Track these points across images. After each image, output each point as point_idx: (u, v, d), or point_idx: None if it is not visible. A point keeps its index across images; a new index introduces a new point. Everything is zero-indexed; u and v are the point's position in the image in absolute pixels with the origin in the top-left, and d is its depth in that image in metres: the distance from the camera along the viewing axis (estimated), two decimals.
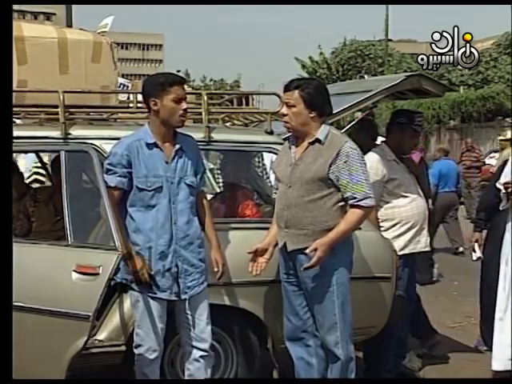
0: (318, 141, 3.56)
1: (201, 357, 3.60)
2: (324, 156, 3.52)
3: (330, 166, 3.49)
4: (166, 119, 3.48)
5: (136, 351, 3.53)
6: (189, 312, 3.56)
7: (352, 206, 3.52)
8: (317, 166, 3.52)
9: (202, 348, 3.59)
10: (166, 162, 3.49)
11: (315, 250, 3.42)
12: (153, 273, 3.44)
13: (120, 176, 3.45)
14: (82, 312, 3.31)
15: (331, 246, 3.45)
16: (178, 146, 3.53)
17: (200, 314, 3.57)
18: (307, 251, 3.46)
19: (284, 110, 3.59)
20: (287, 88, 3.58)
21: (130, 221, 3.50)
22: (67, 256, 3.49)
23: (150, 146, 3.48)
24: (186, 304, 3.54)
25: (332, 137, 3.57)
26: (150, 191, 3.45)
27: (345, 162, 3.49)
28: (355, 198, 3.49)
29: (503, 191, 4.55)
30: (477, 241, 5.23)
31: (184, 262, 3.52)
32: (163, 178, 3.47)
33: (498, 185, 4.68)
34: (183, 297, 3.53)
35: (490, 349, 5.13)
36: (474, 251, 5.28)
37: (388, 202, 4.32)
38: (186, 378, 3.67)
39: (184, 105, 3.47)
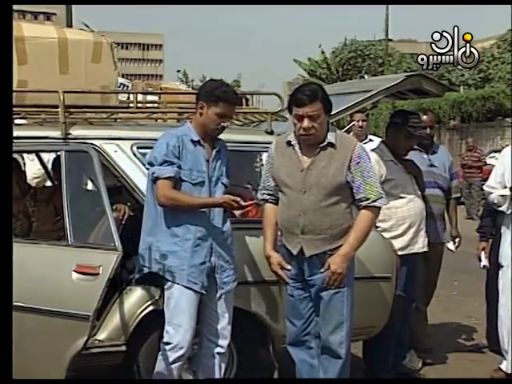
0: (330, 145, 3.49)
1: (217, 353, 3.65)
2: (338, 160, 3.47)
3: (348, 170, 3.46)
4: (203, 124, 3.58)
5: (163, 347, 3.51)
6: (217, 308, 3.61)
7: (365, 208, 3.49)
8: (333, 170, 3.47)
9: (221, 344, 3.64)
10: (207, 161, 3.57)
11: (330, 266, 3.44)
12: (187, 265, 3.48)
13: (177, 167, 3.48)
14: (81, 312, 3.32)
15: (353, 256, 3.50)
16: (218, 147, 3.63)
17: (226, 311, 3.63)
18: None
19: (308, 123, 3.42)
20: (306, 102, 3.39)
21: (170, 213, 3.50)
22: (67, 256, 3.49)
23: (194, 142, 3.56)
24: (220, 300, 3.60)
25: (341, 138, 3.54)
26: (193, 184, 3.52)
27: (357, 164, 3.46)
28: (369, 199, 3.48)
29: (503, 194, 4.49)
30: (483, 249, 5.18)
31: (220, 258, 3.58)
32: (205, 174, 3.55)
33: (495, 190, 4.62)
34: (220, 292, 3.59)
35: (492, 350, 5.12)
36: (480, 260, 5.21)
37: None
38: (199, 372, 3.70)
39: (226, 122, 3.57)
